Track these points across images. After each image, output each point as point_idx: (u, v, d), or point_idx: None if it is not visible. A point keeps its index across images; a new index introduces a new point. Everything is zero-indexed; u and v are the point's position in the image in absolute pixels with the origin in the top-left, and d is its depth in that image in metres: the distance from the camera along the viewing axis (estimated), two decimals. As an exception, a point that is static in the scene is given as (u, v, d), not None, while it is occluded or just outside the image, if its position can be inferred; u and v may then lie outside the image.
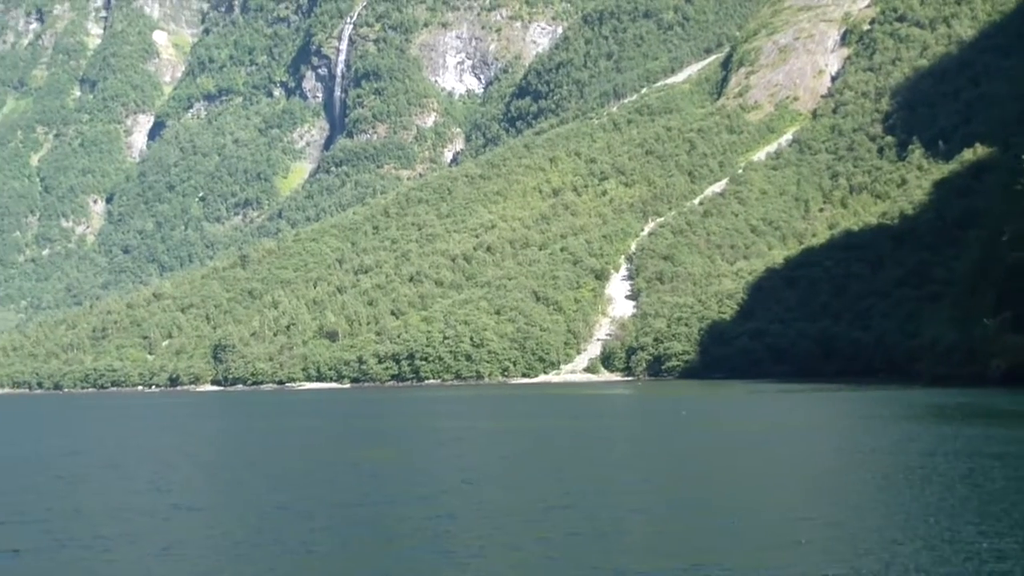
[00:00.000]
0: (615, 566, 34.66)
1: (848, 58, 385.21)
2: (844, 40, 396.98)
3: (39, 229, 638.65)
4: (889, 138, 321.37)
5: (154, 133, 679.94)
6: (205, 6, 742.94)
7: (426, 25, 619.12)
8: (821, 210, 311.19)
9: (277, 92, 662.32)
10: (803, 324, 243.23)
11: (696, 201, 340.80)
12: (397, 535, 41.24)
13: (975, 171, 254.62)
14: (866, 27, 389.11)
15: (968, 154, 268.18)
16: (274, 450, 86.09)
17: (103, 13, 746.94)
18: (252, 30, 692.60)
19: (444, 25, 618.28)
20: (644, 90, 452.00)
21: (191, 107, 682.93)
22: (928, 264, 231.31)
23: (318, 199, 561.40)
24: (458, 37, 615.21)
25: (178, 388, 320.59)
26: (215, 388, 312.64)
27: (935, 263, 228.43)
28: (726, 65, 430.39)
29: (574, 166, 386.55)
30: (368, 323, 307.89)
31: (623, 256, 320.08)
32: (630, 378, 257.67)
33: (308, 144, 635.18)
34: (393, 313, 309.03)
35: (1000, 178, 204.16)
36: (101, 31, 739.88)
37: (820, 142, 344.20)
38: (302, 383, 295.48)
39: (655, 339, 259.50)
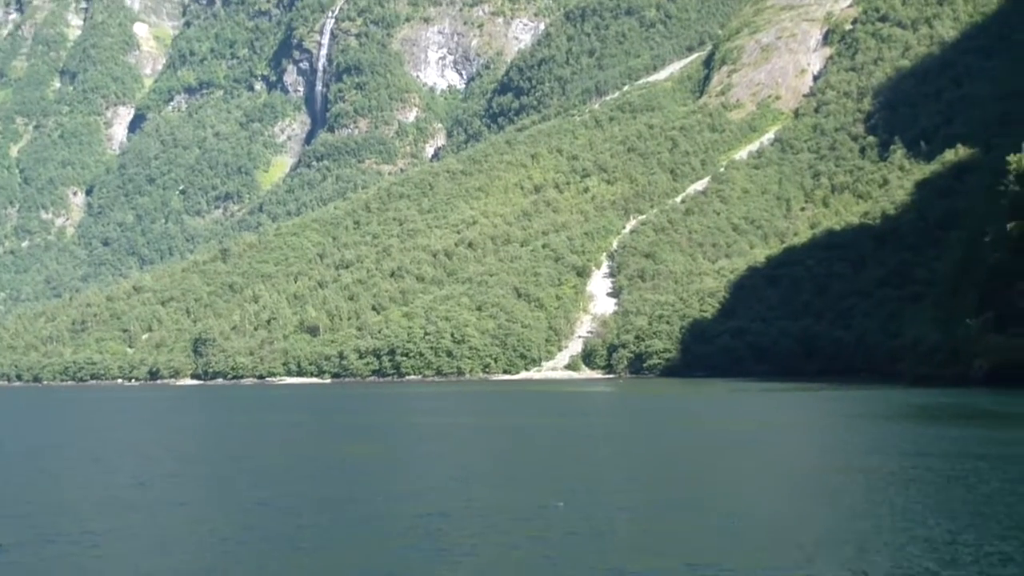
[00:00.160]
0: (612, 565, 34.48)
1: (830, 58, 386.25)
2: (826, 40, 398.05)
3: (18, 221, 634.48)
4: (871, 138, 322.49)
5: (134, 125, 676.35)
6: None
7: (408, 20, 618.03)
8: (803, 209, 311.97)
9: (258, 86, 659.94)
10: (785, 323, 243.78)
11: (678, 199, 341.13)
12: (388, 533, 40.97)
13: (957, 172, 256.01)
14: (848, 27, 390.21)
15: (950, 155, 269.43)
16: (258, 445, 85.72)
17: (83, 4, 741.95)
18: (233, 23, 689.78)
19: (426, 20, 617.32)
20: (626, 88, 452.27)
21: (172, 100, 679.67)
22: (910, 264, 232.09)
23: (299, 193, 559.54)
24: (440, 32, 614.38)
25: (158, 382, 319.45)
26: (195, 382, 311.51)
27: (917, 263, 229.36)
28: (708, 63, 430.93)
29: (556, 163, 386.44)
30: (349, 318, 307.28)
31: (605, 254, 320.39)
32: (611, 376, 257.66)
33: (289, 138, 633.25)
34: (374, 308, 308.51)
35: (982, 179, 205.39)
36: (81, 22, 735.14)
37: (802, 141, 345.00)
38: (282, 378, 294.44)
39: (636, 337, 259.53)
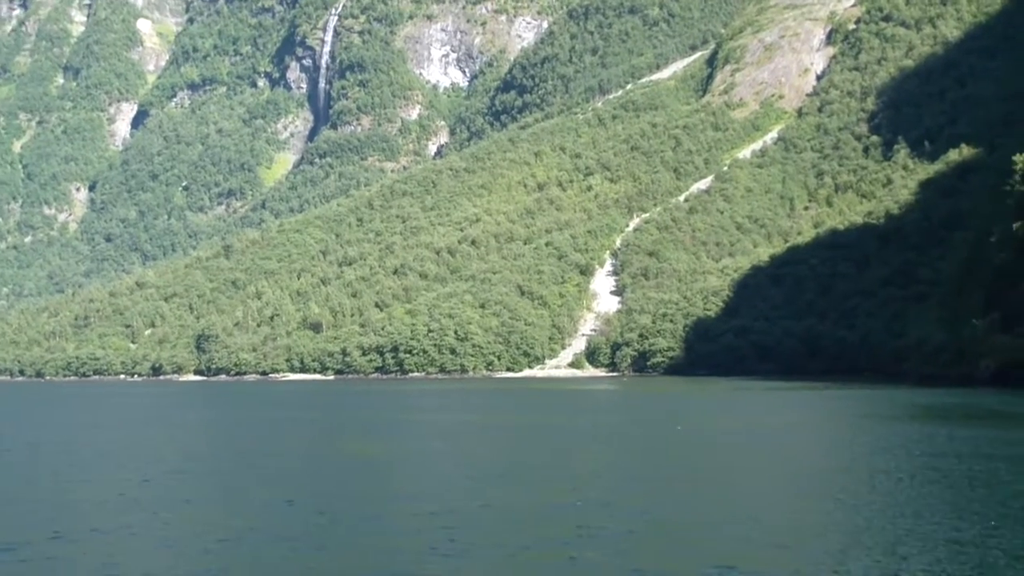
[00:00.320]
0: (636, 566, 34.32)
1: (833, 57, 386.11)
2: (829, 39, 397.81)
3: (21, 216, 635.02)
4: (874, 138, 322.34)
5: (137, 122, 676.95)
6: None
7: (411, 18, 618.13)
8: (806, 208, 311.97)
9: (261, 82, 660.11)
10: (788, 322, 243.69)
11: (681, 198, 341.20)
12: (403, 532, 40.69)
13: (961, 172, 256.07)
14: (852, 26, 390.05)
15: (954, 155, 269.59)
16: (263, 442, 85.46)
17: (87, 0, 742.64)
18: (236, 20, 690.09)
19: (429, 18, 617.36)
20: (629, 86, 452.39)
21: (175, 96, 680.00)
22: (914, 264, 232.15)
23: (302, 190, 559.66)
24: (443, 30, 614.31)
25: (160, 378, 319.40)
26: (198, 378, 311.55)
27: (921, 263, 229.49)
28: (711, 62, 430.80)
29: (559, 161, 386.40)
30: (352, 315, 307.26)
31: (608, 252, 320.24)
32: (615, 374, 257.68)
33: (292, 135, 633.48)
34: (377, 305, 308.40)
35: (987, 179, 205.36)
36: (85, 18, 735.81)
37: (805, 140, 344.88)
38: (286, 374, 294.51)
39: (640, 335, 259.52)
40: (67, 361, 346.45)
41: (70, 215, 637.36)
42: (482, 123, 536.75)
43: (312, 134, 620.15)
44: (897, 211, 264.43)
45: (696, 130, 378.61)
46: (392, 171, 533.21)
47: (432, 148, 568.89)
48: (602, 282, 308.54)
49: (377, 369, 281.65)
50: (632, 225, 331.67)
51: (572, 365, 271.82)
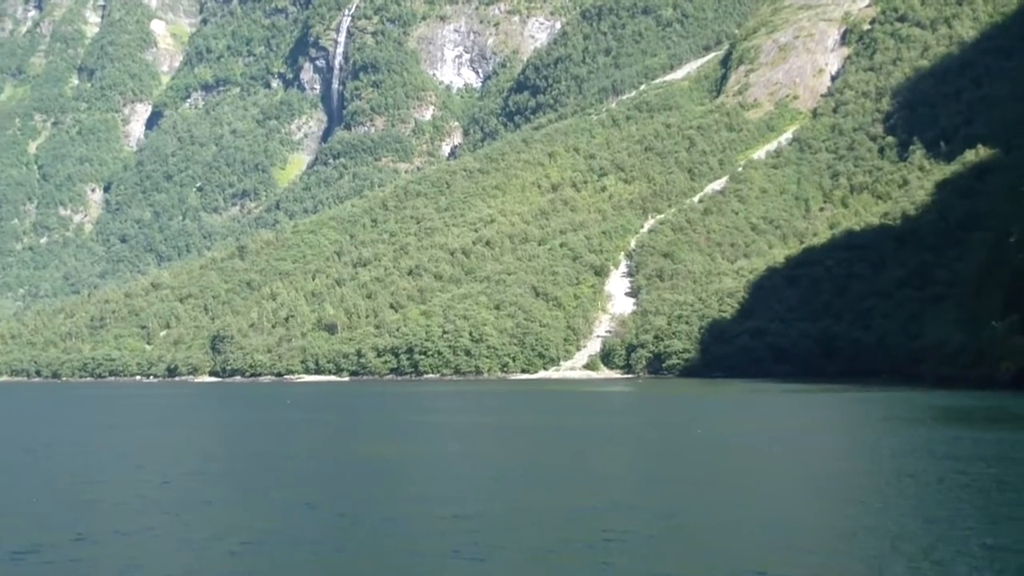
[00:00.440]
0: (665, 572, 34.12)
1: (848, 57, 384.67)
2: (844, 39, 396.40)
3: (37, 217, 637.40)
4: (890, 138, 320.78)
5: (152, 122, 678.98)
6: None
7: (424, 18, 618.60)
8: (822, 209, 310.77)
9: (275, 83, 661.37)
10: (804, 324, 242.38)
11: (696, 199, 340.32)
12: (426, 535, 40.50)
13: (977, 172, 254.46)
14: (866, 27, 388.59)
15: (970, 155, 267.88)
16: (281, 444, 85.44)
17: (101, 1, 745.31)
18: (250, 21, 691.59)
19: (442, 19, 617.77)
20: (643, 87, 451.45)
21: (189, 97, 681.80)
22: (930, 265, 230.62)
23: (315, 191, 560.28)
24: (456, 31, 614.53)
25: (176, 378, 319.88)
26: (213, 379, 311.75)
27: (937, 264, 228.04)
28: (725, 63, 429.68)
29: (573, 162, 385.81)
30: (367, 316, 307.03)
31: (623, 253, 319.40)
32: (630, 376, 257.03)
33: (306, 136, 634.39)
34: (392, 306, 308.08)
35: (1005, 179, 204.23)
36: (99, 19, 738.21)
37: (820, 141, 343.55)
38: (300, 375, 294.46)
39: (655, 337, 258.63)
40: (83, 362, 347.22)
41: (85, 216, 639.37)
42: (495, 124, 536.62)
43: (326, 135, 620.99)
44: (913, 212, 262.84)
45: (710, 131, 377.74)
46: (406, 172, 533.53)
47: (446, 149, 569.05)
48: (617, 283, 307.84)
49: (392, 370, 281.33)
50: (647, 226, 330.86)
51: (587, 367, 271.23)
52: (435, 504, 47.76)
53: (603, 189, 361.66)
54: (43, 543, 39.71)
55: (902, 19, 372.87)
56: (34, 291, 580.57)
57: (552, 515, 44.47)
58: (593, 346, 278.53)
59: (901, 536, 38.89)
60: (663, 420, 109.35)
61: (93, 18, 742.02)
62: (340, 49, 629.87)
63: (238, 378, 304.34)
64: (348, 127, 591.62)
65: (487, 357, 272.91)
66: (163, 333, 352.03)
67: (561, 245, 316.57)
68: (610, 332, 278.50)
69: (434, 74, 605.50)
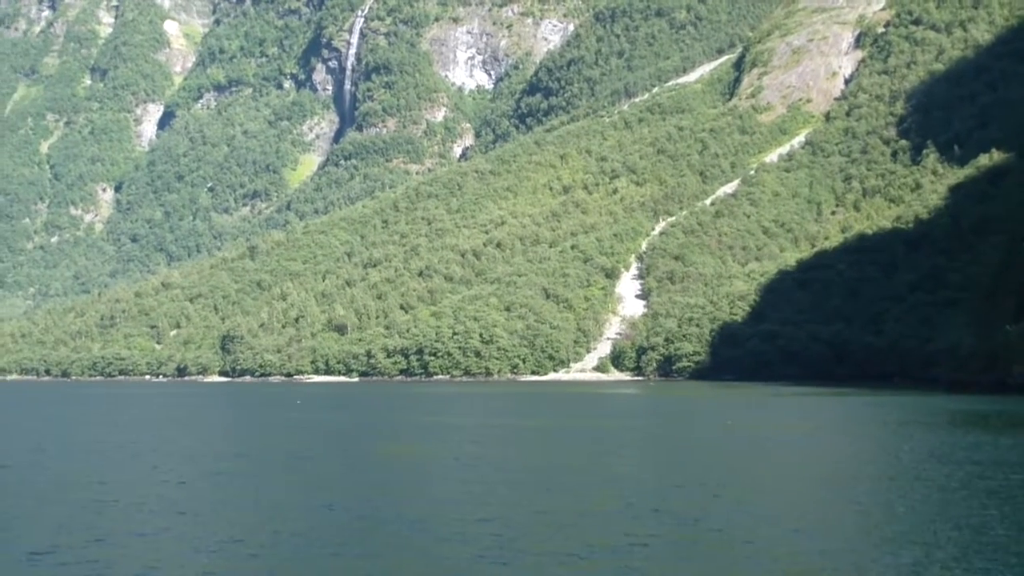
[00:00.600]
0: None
1: (862, 61, 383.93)
2: (858, 43, 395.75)
3: (48, 216, 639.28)
4: (903, 142, 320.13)
5: (164, 123, 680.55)
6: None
7: (437, 20, 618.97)
8: (833, 213, 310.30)
9: (287, 84, 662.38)
10: (815, 327, 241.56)
11: (708, 201, 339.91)
12: (451, 539, 39.94)
13: (991, 176, 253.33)
14: (881, 30, 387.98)
15: (984, 159, 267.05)
16: (297, 444, 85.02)
17: (114, 2, 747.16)
18: (263, 21, 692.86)
19: (455, 20, 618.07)
20: (655, 89, 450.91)
21: (201, 97, 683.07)
22: (943, 269, 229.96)
23: (327, 192, 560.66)
24: (469, 32, 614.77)
25: (186, 378, 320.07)
26: (222, 379, 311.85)
27: (950, 268, 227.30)
28: (738, 66, 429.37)
29: (585, 164, 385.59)
30: (377, 317, 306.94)
31: (634, 255, 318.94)
32: (640, 378, 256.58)
33: (317, 137, 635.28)
34: (402, 307, 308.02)
35: (1019, 184, 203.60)
36: (112, 20, 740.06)
37: (833, 144, 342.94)
38: (310, 376, 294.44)
39: (666, 339, 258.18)
40: (93, 361, 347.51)
41: (96, 215, 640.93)
42: (507, 125, 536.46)
43: (337, 136, 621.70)
44: (926, 216, 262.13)
45: (723, 133, 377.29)
46: (417, 173, 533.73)
47: (457, 150, 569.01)
48: (627, 286, 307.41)
49: (402, 371, 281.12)
50: (658, 229, 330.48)
51: (597, 369, 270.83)
52: (456, 507, 47.39)
53: (615, 191, 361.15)
54: (60, 544, 39.47)
55: (917, 22, 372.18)
56: (45, 290, 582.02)
57: (573, 519, 43.98)
58: (603, 348, 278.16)
59: (935, 544, 38.36)
60: (679, 422, 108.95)
61: (106, 18, 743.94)
62: (352, 50, 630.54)
63: (248, 378, 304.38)
64: (360, 128, 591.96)
65: (497, 358, 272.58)
66: (173, 333, 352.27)
67: (572, 247, 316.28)
68: (620, 334, 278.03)
69: (446, 76, 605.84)
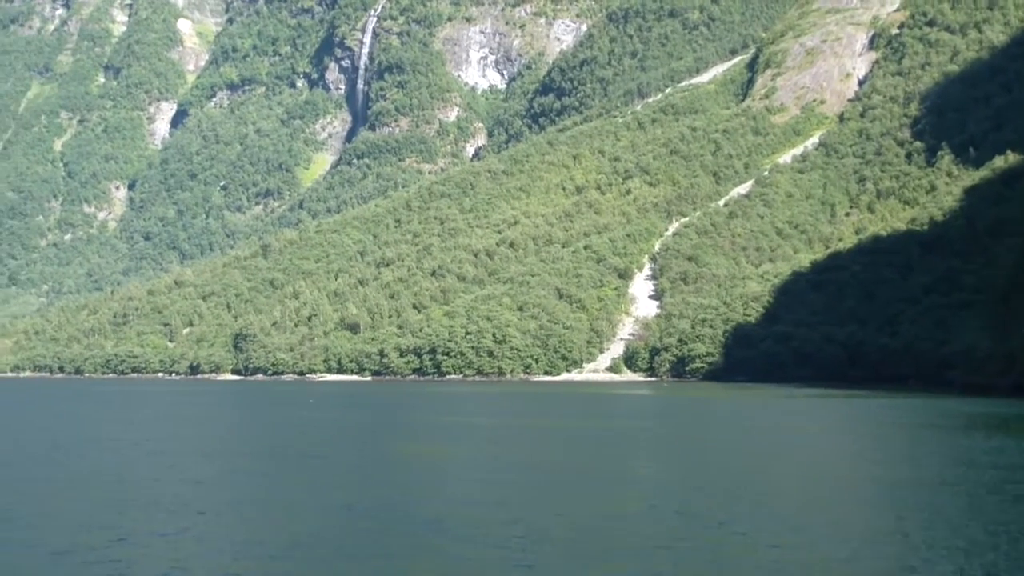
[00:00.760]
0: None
1: (876, 62, 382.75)
2: (872, 44, 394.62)
3: (61, 214, 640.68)
4: (918, 143, 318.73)
5: (177, 121, 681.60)
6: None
7: (450, 19, 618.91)
8: (847, 214, 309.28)
9: (300, 83, 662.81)
10: (829, 329, 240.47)
11: (721, 202, 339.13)
12: (474, 542, 39.77)
13: (1007, 178, 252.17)
14: (895, 31, 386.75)
15: (999, 161, 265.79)
16: (312, 444, 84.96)
17: (128, 0, 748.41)
18: (276, 20, 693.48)
19: (468, 20, 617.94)
20: (669, 89, 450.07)
21: (214, 96, 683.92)
22: (958, 272, 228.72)
23: (339, 191, 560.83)
24: (482, 32, 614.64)
25: (198, 376, 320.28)
26: (235, 377, 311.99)
27: (965, 271, 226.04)
28: (752, 66, 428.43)
29: (598, 164, 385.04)
30: (390, 316, 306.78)
31: (647, 256, 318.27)
32: (653, 379, 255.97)
33: (330, 136, 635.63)
34: (415, 307, 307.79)
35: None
36: (126, 18, 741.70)
37: (847, 146, 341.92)
38: (323, 375, 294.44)
39: (679, 340, 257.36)
40: (106, 358, 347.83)
41: (109, 213, 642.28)
42: (520, 125, 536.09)
43: (350, 135, 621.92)
44: (941, 218, 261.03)
45: (736, 134, 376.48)
46: (430, 172, 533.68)
47: (470, 150, 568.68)
48: (641, 286, 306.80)
49: (414, 371, 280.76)
50: (671, 229, 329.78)
51: (610, 369, 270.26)
52: (477, 508, 47.19)
53: (628, 192, 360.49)
54: (80, 543, 39.37)
55: (931, 23, 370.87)
56: (58, 287, 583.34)
57: (597, 520, 43.74)
58: (616, 349, 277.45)
59: (971, 552, 37.90)
60: (694, 423, 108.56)
61: (120, 17, 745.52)
62: (365, 49, 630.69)
63: (260, 376, 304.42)
64: (372, 127, 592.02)
65: (510, 358, 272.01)
66: (186, 331, 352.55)
67: (585, 247, 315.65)
68: (633, 335, 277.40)
69: (459, 75, 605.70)
